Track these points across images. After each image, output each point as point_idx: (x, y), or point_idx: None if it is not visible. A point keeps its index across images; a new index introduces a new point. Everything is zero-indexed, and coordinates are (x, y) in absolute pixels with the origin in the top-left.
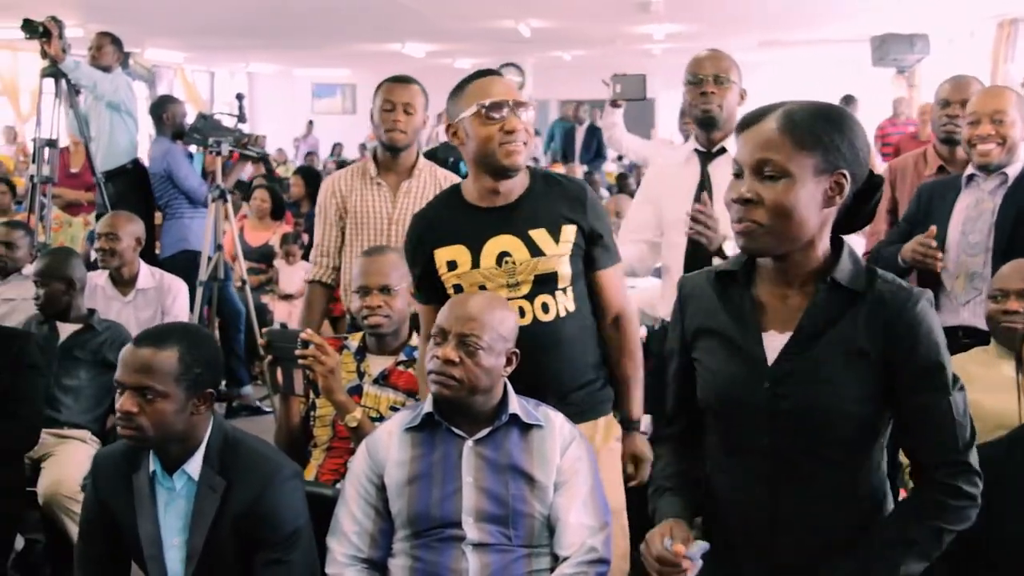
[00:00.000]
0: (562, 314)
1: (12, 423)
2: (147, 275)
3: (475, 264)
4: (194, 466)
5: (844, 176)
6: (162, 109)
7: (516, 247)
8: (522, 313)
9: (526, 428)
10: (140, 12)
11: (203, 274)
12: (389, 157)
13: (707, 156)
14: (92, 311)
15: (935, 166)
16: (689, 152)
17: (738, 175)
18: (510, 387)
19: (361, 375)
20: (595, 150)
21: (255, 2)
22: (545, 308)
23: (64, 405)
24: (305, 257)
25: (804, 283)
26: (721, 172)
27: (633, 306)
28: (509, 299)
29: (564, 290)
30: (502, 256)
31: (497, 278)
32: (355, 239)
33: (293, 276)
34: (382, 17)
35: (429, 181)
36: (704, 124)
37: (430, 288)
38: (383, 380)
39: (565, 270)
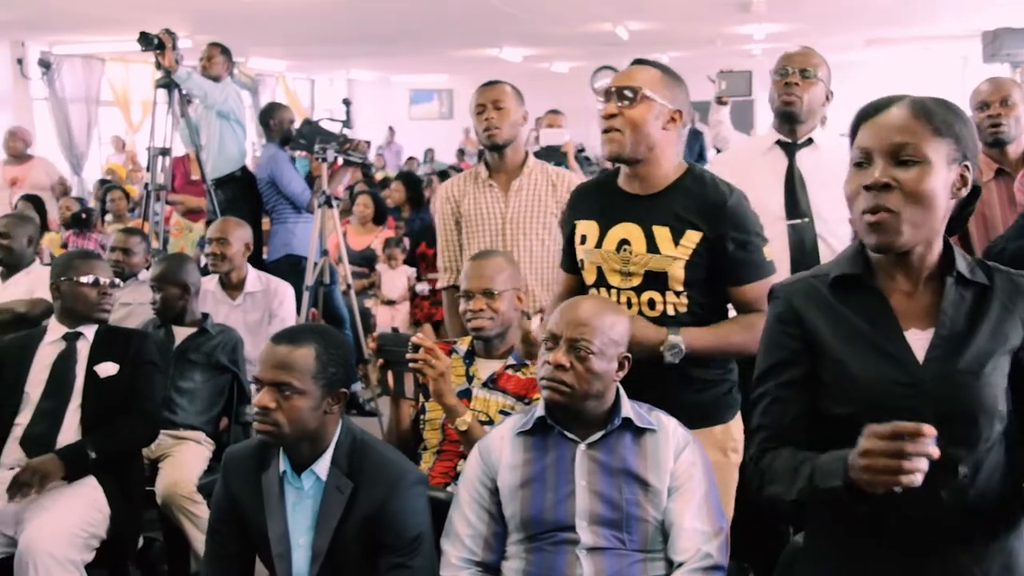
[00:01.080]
0: (670, 312)
1: (133, 419)
2: (254, 279)
3: (599, 244)
4: (322, 467)
5: (968, 168)
6: (270, 116)
7: (636, 237)
8: (629, 305)
9: (639, 432)
10: (245, 22)
11: (309, 279)
12: (496, 158)
13: (793, 147)
14: (206, 315)
15: (991, 171)
16: (771, 143)
17: (860, 164)
18: (622, 391)
19: (470, 379)
20: (697, 152)
21: (356, 11)
22: (651, 304)
23: (180, 407)
24: (407, 262)
25: (929, 279)
26: (809, 163)
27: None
28: (620, 288)
29: (677, 293)
30: (622, 243)
31: (612, 263)
32: (471, 242)
33: (395, 280)
34: (480, 23)
35: (540, 178)
36: (784, 116)
37: (570, 256)
38: (492, 384)
39: (678, 272)
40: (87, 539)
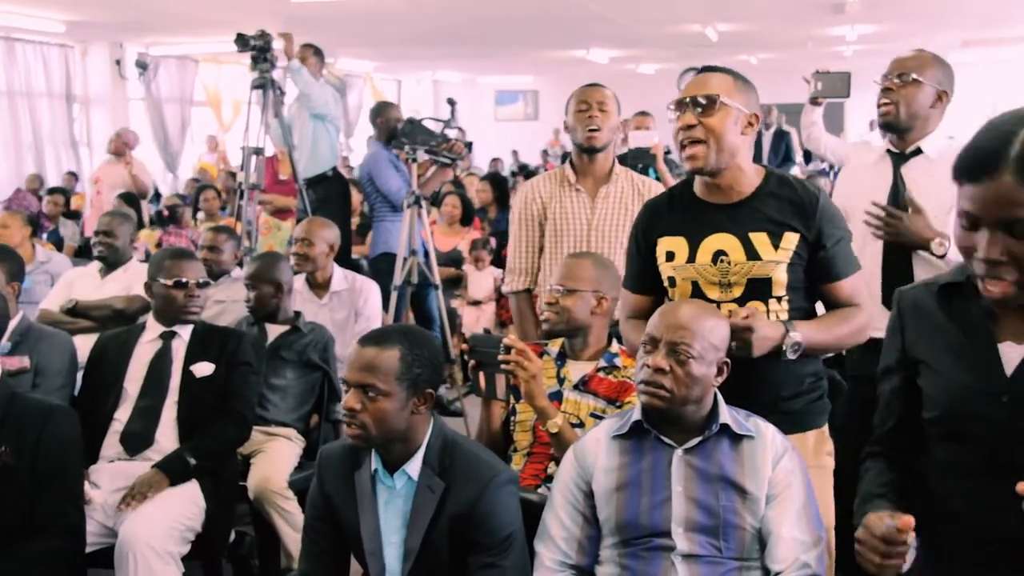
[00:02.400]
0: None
1: (227, 421)
2: (340, 278)
3: (691, 259)
4: (414, 467)
5: None
6: (377, 114)
7: (734, 247)
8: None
9: (737, 439)
10: (335, 24)
11: (398, 278)
12: (586, 161)
13: (900, 157)
14: (298, 313)
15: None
16: (881, 153)
17: (970, 226)
18: (720, 397)
19: (561, 381)
20: (783, 154)
21: (444, 12)
22: None
23: (272, 404)
24: (494, 263)
25: None
26: (916, 174)
27: (868, 313)
28: (720, 301)
29: (779, 299)
30: (718, 255)
31: (710, 276)
32: (555, 245)
33: (481, 281)
34: (570, 24)
35: (627, 186)
36: (883, 126)
37: (644, 277)
38: (583, 386)
39: (781, 277)
40: (183, 531)
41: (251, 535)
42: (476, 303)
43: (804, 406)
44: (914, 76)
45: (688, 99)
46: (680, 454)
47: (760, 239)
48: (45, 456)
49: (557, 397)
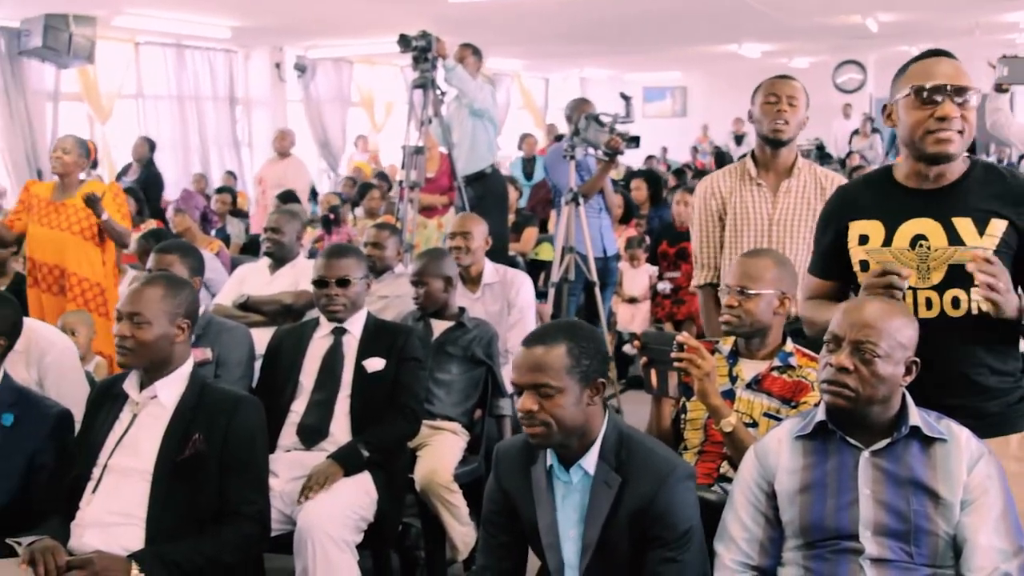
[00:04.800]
0: (974, 312)
1: (398, 415)
2: (491, 271)
3: (887, 242)
4: (590, 461)
5: None
6: (572, 110)
7: (934, 232)
8: (929, 305)
9: (928, 441)
10: (486, 23)
11: (555, 275)
12: (769, 155)
13: None
14: (462, 309)
15: None
16: None
17: None
18: (909, 397)
19: (733, 379)
20: None
21: (593, 9)
22: (956, 303)
23: (437, 398)
24: (649, 260)
25: None
26: None
27: None
28: (916, 288)
29: None
30: (917, 239)
31: (907, 261)
32: (735, 240)
33: (637, 279)
34: (722, 18)
35: (809, 180)
36: None
37: (830, 262)
38: (756, 385)
39: None
40: (357, 521)
41: (417, 526)
42: (632, 300)
43: (1003, 409)
44: None
45: (950, 87)
46: (867, 456)
47: (964, 224)
48: (234, 444)
49: (729, 396)
